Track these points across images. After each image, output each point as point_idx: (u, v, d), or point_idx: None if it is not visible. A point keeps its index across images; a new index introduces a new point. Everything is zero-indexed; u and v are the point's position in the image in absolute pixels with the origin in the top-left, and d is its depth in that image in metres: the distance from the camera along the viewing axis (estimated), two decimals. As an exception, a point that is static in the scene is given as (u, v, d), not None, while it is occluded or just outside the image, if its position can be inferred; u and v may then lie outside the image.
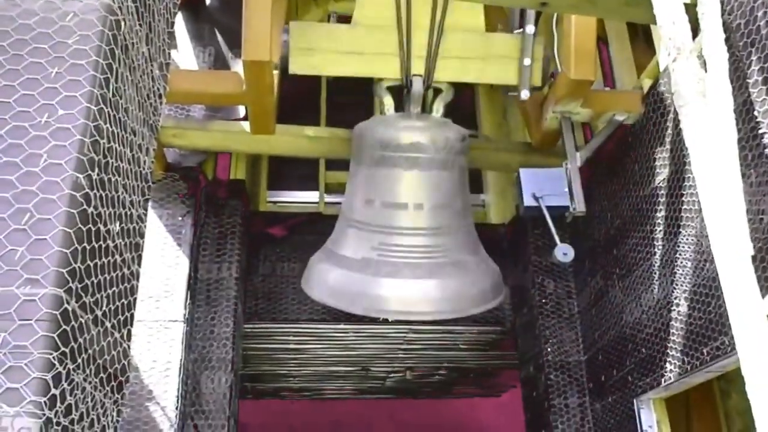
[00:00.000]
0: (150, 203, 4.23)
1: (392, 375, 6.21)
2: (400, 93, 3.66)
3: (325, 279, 3.70)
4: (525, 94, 3.61)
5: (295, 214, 4.99)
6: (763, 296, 1.85)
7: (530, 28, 3.61)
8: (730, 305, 1.70)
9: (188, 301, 3.94)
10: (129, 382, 1.74)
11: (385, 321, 4.70)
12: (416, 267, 3.48)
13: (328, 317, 4.78)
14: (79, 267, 1.38)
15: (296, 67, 3.53)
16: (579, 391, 4.27)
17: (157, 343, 3.81)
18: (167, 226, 4.06)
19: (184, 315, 3.88)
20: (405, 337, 5.11)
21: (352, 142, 3.77)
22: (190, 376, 3.92)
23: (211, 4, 4.78)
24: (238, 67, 3.47)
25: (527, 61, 3.60)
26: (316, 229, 4.63)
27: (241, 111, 4.16)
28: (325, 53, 3.53)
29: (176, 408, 3.68)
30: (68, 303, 1.33)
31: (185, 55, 4.57)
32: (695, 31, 2.64)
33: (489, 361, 5.80)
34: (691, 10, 2.66)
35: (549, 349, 4.36)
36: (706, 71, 1.97)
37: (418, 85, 3.50)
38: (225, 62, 4.55)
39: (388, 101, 3.61)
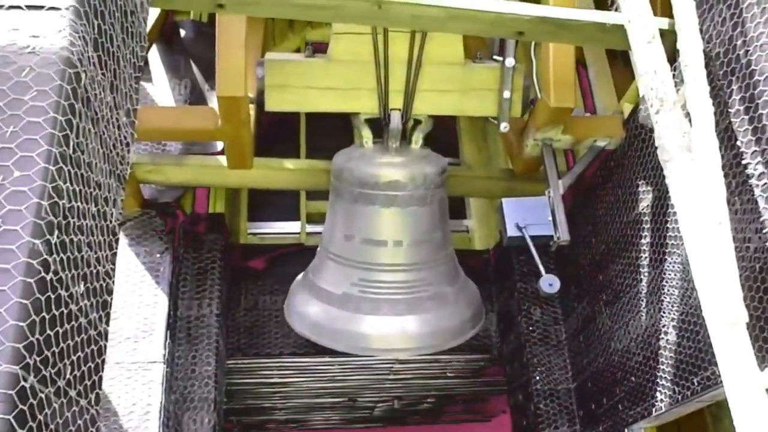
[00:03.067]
0: (126, 241, 4.15)
1: (380, 405, 6.10)
2: (379, 124, 3.60)
3: (307, 312, 3.78)
4: (504, 127, 3.53)
5: (276, 246, 4.91)
6: (761, 356, 1.78)
7: (510, 61, 3.51)
8: (725, 377, 1.64)
9: (168, 341, 3.84)
10: (98, 449, 1.65)
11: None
12: (396, 303, 3.58)
13: (312, 350, 4.69)
14: (37, 339, 1.30)
15: (273, 104, 3.44)
16: (569, 420, 4.21)
17: (137, 386, 3.70)
18: (145, 264, 3.97)
19: (164, 355, 3.78)
20: (391, 368, 5.02)
21: (331, 171, 3.70)
22: (172, 417, 3.81)
23: (186, 35, 4.73)
24: (214, 98, 3.42)
25: (507, 94, 3.50)
26: (298, 260, 4.55)
27: (219, 144, 4.09)
28: (301, 89, 3.45)
29: (157, 452, 3.58)
30: (25, 380, 1.25)
31: (161, 88, 4.51)
32: (673, 55, 2.62)
33: (477, 388, 5.71)
34: (667, 35, 2.64)
35: (537, 377, 4.30)
36: (690, 123, 1.92)
37: (396, 120, 3.44)
38: (201, 94, 4.49)
39: (367, 134, 3.55)
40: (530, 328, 4.39)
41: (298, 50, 5.31)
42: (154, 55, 4.55)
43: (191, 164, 3.92)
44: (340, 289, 3.61)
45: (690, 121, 1.96)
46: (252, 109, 3.57)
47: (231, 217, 4.77)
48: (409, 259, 3.58)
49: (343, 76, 3.42)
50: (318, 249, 3.89)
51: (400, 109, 3.42)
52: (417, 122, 3.56)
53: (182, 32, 4.70)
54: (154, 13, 4.25)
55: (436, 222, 3.63)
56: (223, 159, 3.85)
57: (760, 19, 2.33)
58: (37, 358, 1.31)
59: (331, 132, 5.03)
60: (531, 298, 4.42)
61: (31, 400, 1.28)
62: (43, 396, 1.32)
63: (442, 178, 3.58)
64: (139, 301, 3.86)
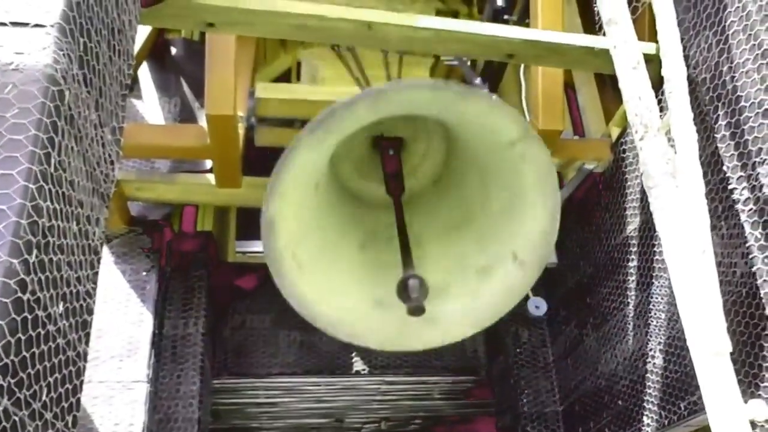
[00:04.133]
0: (112, 258, 4.11)
1: (367, 425, 6.06)
2: None
3: None
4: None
5: (264, 265, 4.87)
6: (747, 381, 1.77)
7: (478, 80, 3.64)
8: (709, 408, 1.62)
9: (152, 360, 3.80)
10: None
11: (358, 373, 4.59)
12: None
13: (299, 370, 4.66)
14: (12, 361, 1.28)
15: (263, 92, 3.52)
16: (556, 443, 4.19)
17: (120, 405, 3.65)
18: (131, 282, 3.93)
19: (148, 375, 3.74)
20: (379, 388, 4.99)
21: None
22: (155, 438, 3.76)
23: (177, 53, 4.73)
24: (204, 116, 3.43)
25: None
26: (286, 279, 4.52)
27: (208, 162, 4.08)
28: (290, 86, 3.52)
29: (139, 473, 3.53)
30: (-2, 403, 1.23)
31: (151, 105, 4.49)
32: (658, 83, 2.63)
33: (465, 409, 5.68)
34: (654, 60, 2.66)
35: (525, 400, 4.28)
36: (674, 149, 1.92)
37: None
38: (192, 112, 4.48)
39: None
40: (518, 350, 4.38)
41: (289, 69, 5.31)
42: (145, 73, 4.54)
43: (180, 182, 3.90)
44: None
45: (674, 147, 1.96)
46: (241, 128, 3.56)
47: (219, 235, 4.74)
48: None
49: (330, 92, 3.50)
50: None
51: None
52: None
53: (173, 50, 4.70)
54: (145, 31, 4.24)
55: None
56: (211, 177, 3.83)
57: (746, 45, 2.34)
58: (12, 380, 1.28)
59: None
60: (519, 320, 4.40)
61: (5, 423, 1.25)
62: (17, 419, 1.30)
63: None
64: (124, 320, 3.82)
